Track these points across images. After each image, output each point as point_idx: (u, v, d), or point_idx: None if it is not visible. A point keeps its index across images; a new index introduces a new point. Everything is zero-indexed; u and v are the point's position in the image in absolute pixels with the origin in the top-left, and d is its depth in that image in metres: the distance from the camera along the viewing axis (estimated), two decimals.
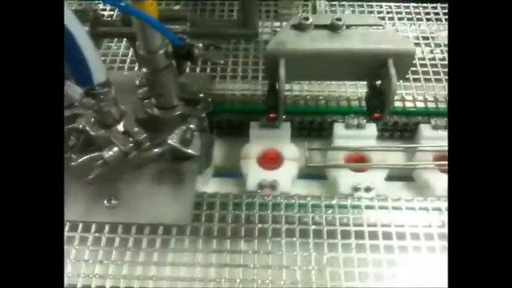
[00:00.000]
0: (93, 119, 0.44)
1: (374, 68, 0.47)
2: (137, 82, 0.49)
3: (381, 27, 0.48)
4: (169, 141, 0.45)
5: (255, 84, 0.61)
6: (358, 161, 0.56)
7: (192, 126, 0.47)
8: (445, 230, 0.46)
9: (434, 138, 0.57)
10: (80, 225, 0.48)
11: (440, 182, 0.53)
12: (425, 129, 0.58)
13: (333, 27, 0.47)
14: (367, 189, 0.52)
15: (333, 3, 0.69)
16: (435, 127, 0.57)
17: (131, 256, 0.46)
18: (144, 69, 0.43)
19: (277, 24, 0.70)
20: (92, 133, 0.43)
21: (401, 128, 0.60)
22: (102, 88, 0.40)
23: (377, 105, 0.49)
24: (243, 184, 0.56)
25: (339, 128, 0.58)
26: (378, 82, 0.50)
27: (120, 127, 0.44)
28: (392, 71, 0.45)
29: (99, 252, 0.46)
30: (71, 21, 0.37)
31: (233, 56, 0.64)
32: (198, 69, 0.62)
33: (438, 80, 0.61)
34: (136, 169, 0.52)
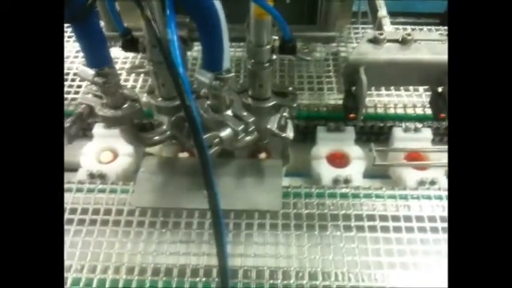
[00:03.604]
0: (206, 105, 0.49)
1: (437, 74, 0.55)
2: None
3: (442, 42, 0.57)
4: (269, 127, 0.51)
5: (319, 95, 0.69)
6: (418, 159, 0.64)
7: (285, 114, 0.52)
8: None
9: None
10: (184, 212, 0.54)
11: None
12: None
13: (403, 41, 0.55)
14: (432, 183, 0.59)
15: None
16: None
17: (232, 237, 0.52)
18: (249, 62, 0.49)
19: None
20: (206, 116, 0.49)
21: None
22: (228, 73, 0.44)
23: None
24: (313, 182, 0.63)
25: (398, 132, 0.65)
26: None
27: (229, 112, 0.49)
28: None
29: (204, 233, 0.52)
30: (218, 5, 0.38)
31: (298, 71, 0.72)
32: None
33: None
34: (223, 164, 0.58)
